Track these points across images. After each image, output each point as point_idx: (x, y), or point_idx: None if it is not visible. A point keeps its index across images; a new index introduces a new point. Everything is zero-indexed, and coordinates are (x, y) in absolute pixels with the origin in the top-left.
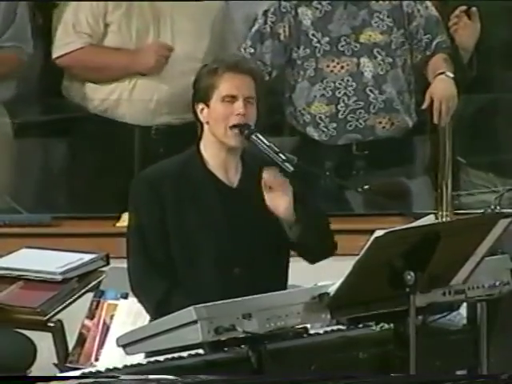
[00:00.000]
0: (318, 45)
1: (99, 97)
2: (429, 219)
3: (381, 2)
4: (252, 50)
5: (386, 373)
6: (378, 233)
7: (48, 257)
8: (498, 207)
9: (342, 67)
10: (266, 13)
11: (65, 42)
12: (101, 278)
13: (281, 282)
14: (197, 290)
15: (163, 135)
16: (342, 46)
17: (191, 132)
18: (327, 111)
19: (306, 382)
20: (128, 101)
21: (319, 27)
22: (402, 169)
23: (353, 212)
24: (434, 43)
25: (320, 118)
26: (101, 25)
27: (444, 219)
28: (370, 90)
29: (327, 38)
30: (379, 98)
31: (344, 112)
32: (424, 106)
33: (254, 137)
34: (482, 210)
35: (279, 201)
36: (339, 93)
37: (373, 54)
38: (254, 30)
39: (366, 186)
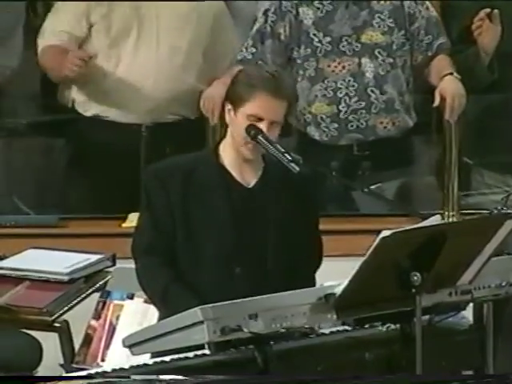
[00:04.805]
0: (319, 44)
1: (86, 98)
2: (435, 219)
3: (382, 2)
4: (254, 50)
5: (392, 373)
6: (385, 233)
7: (54, 257)
8: (505, 207)
9: (344, 67)
10: (266, 12)
11: (39, 43)
12: (107, 279)
13: (286, 284)
14: (197, 288)
15: (168, 133)
16: (344, 46)
17: (191, 129)
18: (328, 111)
19: (312, 382)
20: (121, 99)
21: (320, 27)
22: (403, 169)
23: (359, 212)
24: (436, 44)
25: (321, 118)
26: (83, 25)
27: (450, 220)
28: (372, 91)
29: (328, 38)
30: (380, 98)
31: (345, 112)
32: (435, 104)
33: (260, 137)
34: (488, 211)
35: None
36: (340, 93)
37: (374, 55)
38: (254, 29)
39: (372, 187)
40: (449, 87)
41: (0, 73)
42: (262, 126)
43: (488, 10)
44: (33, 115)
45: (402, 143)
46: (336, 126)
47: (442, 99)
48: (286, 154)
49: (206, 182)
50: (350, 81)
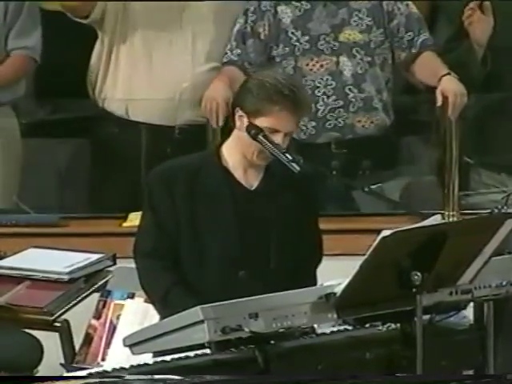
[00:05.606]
0: (297, 43)
1: (119, 97)
2: (436, 219)
3: (360, 1)
4: (239, 51)
5: (392, 373)
6: (385, 232)
7: (55, 257)
8: (506, 207)
9: (322, 66)
10: (246, 12)
11: None
12: (107, 278)
13: (289, 284)
14: (201, 290)
15: (186, 134)
16: (322, 45)
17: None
18: None
19: (312, 382)
20: (149, 100)
21: (299, 26)
22: (382, 167)
23: (359, 212)
24: (419, 41)
25: None
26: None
27: (451, 219)
28: (350, 89)
29: (307, 37)
30: (358, 96)
31: (323, 111)
32: (438, 104)
33: (260, 137)
34: (489, 210)
35: None
36: (319, 92)
37: (352, 53)
38: (235, 30)
39: (373, 186)
40: (450, 86)
41: (24, 55)
42: (278, 137)
43: (478, 1)
44: (32, 114)
45: (380, 142)
46: (314, 124)
47: (444, 98)
48: (286, 154)
49: (210, 183)
50: (328, 79)
